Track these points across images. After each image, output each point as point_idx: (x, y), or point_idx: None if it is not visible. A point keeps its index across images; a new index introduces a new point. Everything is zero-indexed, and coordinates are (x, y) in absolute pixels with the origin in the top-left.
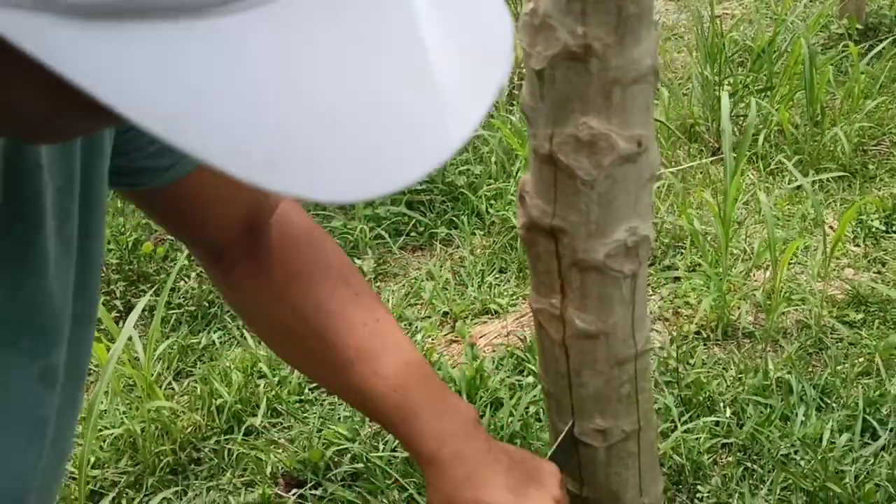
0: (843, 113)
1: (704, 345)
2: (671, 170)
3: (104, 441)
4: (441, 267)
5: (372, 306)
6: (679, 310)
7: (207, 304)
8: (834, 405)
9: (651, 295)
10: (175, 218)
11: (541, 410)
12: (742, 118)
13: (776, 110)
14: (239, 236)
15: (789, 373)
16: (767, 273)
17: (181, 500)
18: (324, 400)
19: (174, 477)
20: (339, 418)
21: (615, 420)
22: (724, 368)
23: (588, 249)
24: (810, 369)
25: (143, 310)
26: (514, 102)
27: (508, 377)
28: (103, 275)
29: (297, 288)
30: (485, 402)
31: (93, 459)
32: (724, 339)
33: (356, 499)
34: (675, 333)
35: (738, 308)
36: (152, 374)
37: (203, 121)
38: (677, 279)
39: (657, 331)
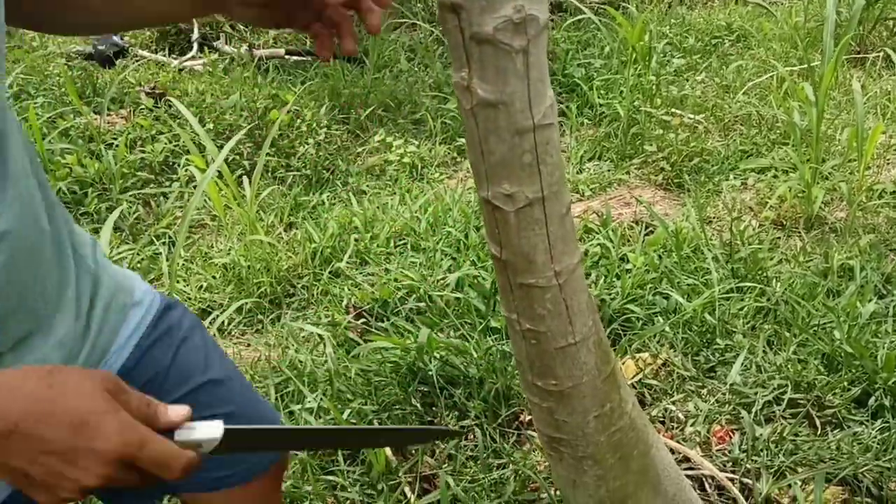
0: None
1: (786, 234)
2: (789, 68)
3: (216, 270)
4: None
5: None
6: (766, 199)
7: (322, 169)
8: None
9: (741, 187)
10: None
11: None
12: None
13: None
14: None
15: (850, 259)
16: (861, 167)
17: (274, 325)
18: (404, 252)
19: (270, 306)
20: (416, 265)
21: (520, 186)
22: (791, 253)
23: (481, 23)
24: (883, 263)
25: (268, 170)
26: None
27: None
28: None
29: None
30: None
31: (205, 284)
32: (805, 231)
33: (412, 329)
34: (753, 221)
35: (816, 199)
36: (259, 218)
37: None
38: (776, 172)
39: (741, 219)
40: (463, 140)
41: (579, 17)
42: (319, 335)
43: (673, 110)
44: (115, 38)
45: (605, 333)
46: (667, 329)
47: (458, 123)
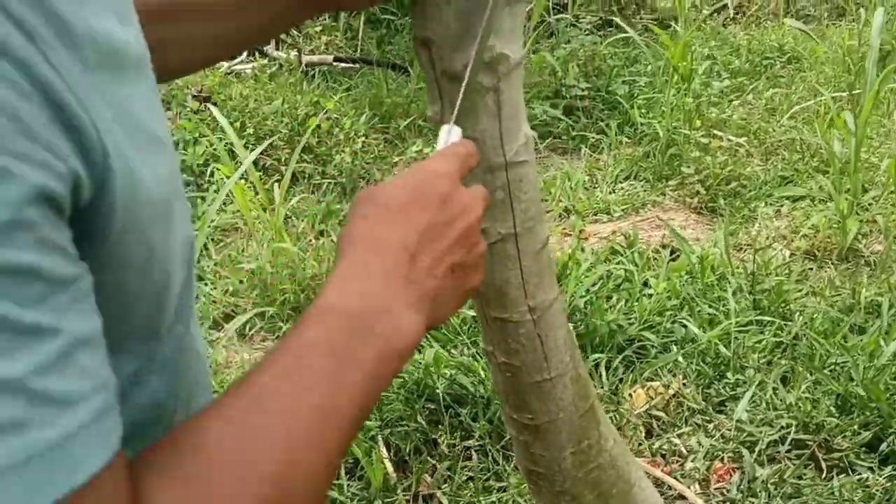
0: None
1: (818, 265)
2: (837, 94)
3: (242, 274)
4: (580, 169)
5: None
6: (800, 228)
7: (358, 178)
8: None
9: (776, 214)
10: None
11: (608, 294)
12: None
13: None
14: None
15: (879, 295)
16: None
17: None
18: None
19: (293, 313)
20: None
21: (492, 222)
22: (819, 286)
23: (451, 60)
24: None
25: (305, 177)
26: (675, 19)
27: (592, 268)
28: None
29: None
30: (572, 284)
31: (230, 288)
32: (838, 263)
33: (424, 344)
34: (784, 251)
35: (850, 231)
36: (291, 224)
37: None
38: (812, 200)
39: (772, 248)
40: None
41: (625, 34)
42: None
43: (715, 132)
44: None
45: (584, 369)
46: (680, 359)
47: None
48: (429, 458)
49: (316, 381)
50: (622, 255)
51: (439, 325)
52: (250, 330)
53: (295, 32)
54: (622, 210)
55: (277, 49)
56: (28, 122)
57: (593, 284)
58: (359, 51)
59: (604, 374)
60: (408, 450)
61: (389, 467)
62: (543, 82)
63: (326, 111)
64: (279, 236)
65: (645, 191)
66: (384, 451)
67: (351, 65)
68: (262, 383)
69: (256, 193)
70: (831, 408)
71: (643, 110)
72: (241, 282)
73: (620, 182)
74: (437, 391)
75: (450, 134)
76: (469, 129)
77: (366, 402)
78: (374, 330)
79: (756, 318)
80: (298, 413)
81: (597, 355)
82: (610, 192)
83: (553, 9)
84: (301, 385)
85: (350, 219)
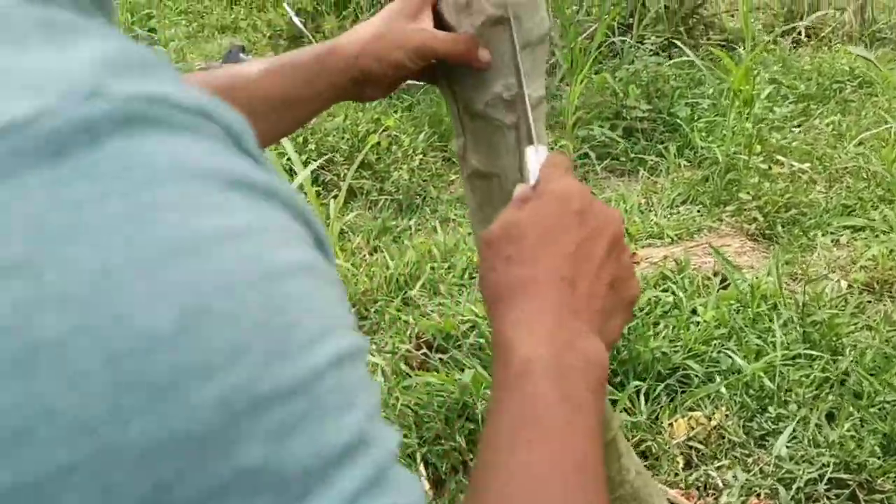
0: None
1: (876, 298)
2: None
3: None
4: (637, 192)
5: None
6: (858, 259)
7: (415, 195)
8: None
9: (835, 244)
10: None
11: (651, 323)
12: None
13: None
14: None
15: None
16: None
17: None
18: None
19: None
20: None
21: None
22: (875, 320)
23: (472, 98)
24: None
25: (363, 193)
26: (741, 40)
27: (641, 293)
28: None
29: None
30: None
31: None
32: None
33: (469, 363)
34: (841, 283)
35: None
36: (346, 240)
37: None
38: (875, 231)
39: (828, 279)
40: None
41: (686, 58)
42: (375, 363)
43: (778, 157)
44: (241, 54)
45: (606, 401)
46: (723, 390)
47: None
48: (464, 477)
49: (561, 440)
50: (672, 282)
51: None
52: None
53: None
54: (676, 235)
55: None
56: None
57: (640, 310)
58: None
59: (644, 402)
60: (445, 468)
61: (426, 485)
62: (604, 103)
63: (386, 128)
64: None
65: (701, 216)
66: (422, 469)
67: (416, 82)
68: (515, 463)
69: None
70: (875, 447)
71: (704, 133)
72: None
73: (677, 206)
74: (477, 412)
75: (537, 153)
76: (490, 165)
77: (601, 441)
78: (574, 369)
79: (804, 351)
80: (566, 478)
81: (638, 383)
82: (665, 216)
83: (618, 29)
84: (550, 449)
85: (490, 266)
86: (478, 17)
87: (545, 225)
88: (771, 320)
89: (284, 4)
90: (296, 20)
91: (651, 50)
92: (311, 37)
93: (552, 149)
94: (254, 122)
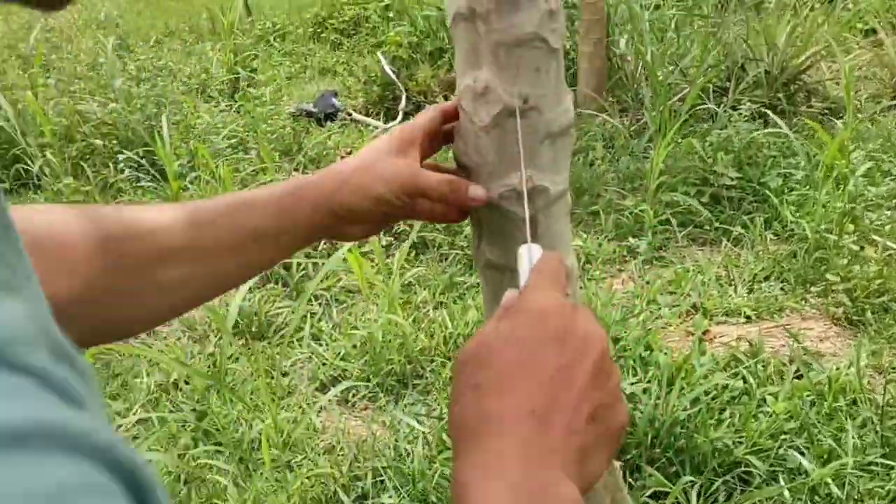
0: None
1: None
2: None
3: (355, 339)
4: (717, 263)
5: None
6: None
7: None
8: None
9: None
10: None
11: (714, 409)
12: None
13: None
14: None
15: None
16: None
17: (395, 405)
18: None
19: (397, 385)
20: None
21: None
22: None
23: (488, 187)
24: None
25: (434, 245)
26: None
27: (708, 376)
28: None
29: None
30: (676, 391)
31: (342, 352)
32: None
33: None
34: None
35: None
36: (412, 293)
37: None
38: None
39: None
40: (633, 240)
41: (778, 129)
42: (419, 431)
43: (872, 237)
44: (333, 100)
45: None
46: (786, 493)
47: (633, 221)
48: None
49: None
50: (743, 366)
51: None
52: (353, 396)
53: (452, 97)
54: (755, 313)
55: None
56: None
57: (705, 394)
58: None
59: (697, 499)
60: None
61: None
62: (691, 168)
63: None
64: (392, 308)
65: (784, 294)
66: None
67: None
68: None
69: (370, 260)
70: None
71: (794, 207)
72: (353, 346)
73: (758, 282)
74: None
75: (530, 252)
76: (503, 257)
77: None
78: None
79: (881, 459)
80: None
81: (692, 478)
82: (744, 293)
83: (714, 92)
84: None
85: (459, 391)
86: (494, 106)
87: (518, 349)
88: (847, 419)
89: (379, 53)
90: (387, 69)
91: (746, 116)
92: (402, 86)
93: (631, 213)
94: (216, 258)
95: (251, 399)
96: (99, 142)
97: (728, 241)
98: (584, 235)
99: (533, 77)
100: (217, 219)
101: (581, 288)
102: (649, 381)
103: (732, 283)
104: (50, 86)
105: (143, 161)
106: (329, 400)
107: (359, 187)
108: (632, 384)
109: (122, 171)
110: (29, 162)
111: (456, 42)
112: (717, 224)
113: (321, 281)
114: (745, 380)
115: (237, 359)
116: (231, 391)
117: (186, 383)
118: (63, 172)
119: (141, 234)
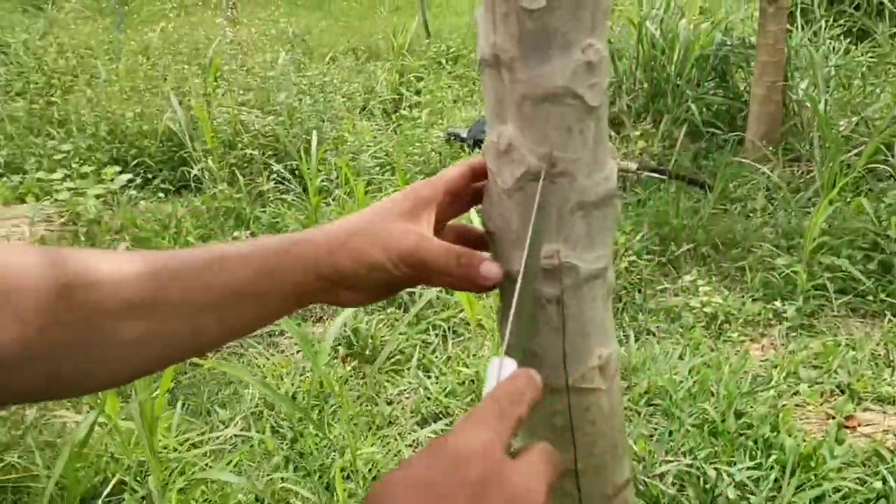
0: None
1: None
2: None
3: (463, 377)
4: (875, 340)
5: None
6: None
7: (616, 298)
8: None
9: None
10: None
11: None
12: None
13: None
14: None
15: None
16: None
17: None
18: (652, 417)
19: None
20: (652, 437)
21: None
22: None
23: (510, 259)
24: None
25: None
26: None
27: (843, 470)
28: None
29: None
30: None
31: (449, 388)
32: None
33: None
34: None
35: None
36: None
37: None
38: None
39: None
40: (781, 303)
41: None
42: None
43: None
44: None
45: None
46: None
47: (783, 282)
48: None
49: None
50: (886, 465)
51: None
52: None
53: (613, 133)
54: None
55: None
56: None
57: (834, 491)
58: (673, 162)
59: None
60: None
61: None
62: (859, 230)
63: None
64: (496, 350)
65: None
66: None
67: (655, 175)
68: None
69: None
70: None
71: None
72: (461, 383)
73: None
74: None
75: (500, 369)
76: (527, 339)
77: None
78: None
79: None
80: None
81: None
82: None
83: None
84: None
85: None
86: (518, 167)
87: (424, 496)
88: None
89: None
90: None
91: None
92: None
93: (783, 273)
94: (184, 316)
95: (352, 424)
96: (256, 152)
97: (893, 315)
98: (726, 292)
99: (564, 137)
100: (185, 273)
101: (712, 350)
102: (768, 469)
103: (891, 364)
104: (219, 95)
105: (295, 173)
106: (427, 436)
107: (355, 251)
108: (747, 469)
109: (273, 181)
110: (193, 165)
111: (484, 91)
112: (882, 296)
113: (441, 310)
114: (884, 480)
115: (346, 381)
116: (332, 415)
117: (293, 398)
118: (220, 178)
119: (96, 283)
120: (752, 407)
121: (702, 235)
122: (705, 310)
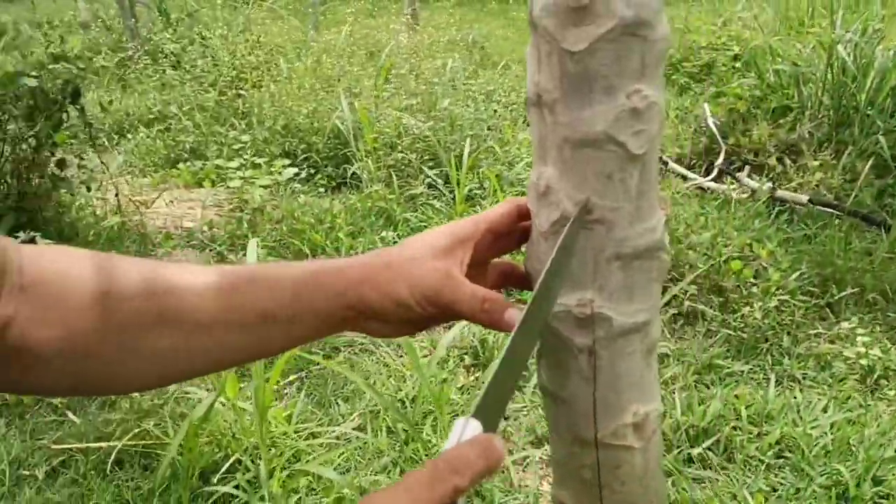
0: None
1: None
2: None
3: None
4: None
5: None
6: None
7: (761, 338)
8: None
9: None
10: None
11: None
12: None
13: None
14: None
15: None
16: None
17: None
18: (781, 470)
19: None
20: (775, 494)
21: (577, 499)
22: None
23: (541, 302)
24: None
25: (705, 319)
26: None
27: None
28: None
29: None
30: None
31: None
32: None
33: None
34: None
35: None
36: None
37: None
38: None
39: None
40: None
41: None
42: None
43: None
44: None
45: None
46: None
47: None
48: None
49: None
50: None
51: None
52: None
53: (789, 161)
54: None
55: (751, 177)
56: None
57: None
58: (853, 198)
59: None
60: None
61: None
62: None
63: (757, 257)
64: None
65: None
66: None
67: (828, 209)
68: None
69: None
70: None
71: None
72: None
73: None
74: None
75: (463, 430)
76: (557, 387)
77: None
78: None
79: None
80: None
81: None
82: None
83: None
84: None
85: None
86: (554, 210)
87: None
88: None
89: (705, 104)
90: (709, 120)
91: None
92: (723, 141)
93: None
94: (213, 334)
95: None
96: (413, 156)
97: None
98: (889, 345)
99: (603, 184)
100: (212, 293)
101: (861, 406)
102: None
103: None
104: (386, 98)
105: (448, 179)
106: (539, 458)
107: (382, 286)
108: None
109: (426, 186)
110: (354, 164)
111: (531, 130)
112: None
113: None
114: None
115: (467, 390)
116: (450, 423)
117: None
118: (377, 179)
119: (133, 296)
120: (894, 475)
121: (870, 280)
122: (861, 361)
